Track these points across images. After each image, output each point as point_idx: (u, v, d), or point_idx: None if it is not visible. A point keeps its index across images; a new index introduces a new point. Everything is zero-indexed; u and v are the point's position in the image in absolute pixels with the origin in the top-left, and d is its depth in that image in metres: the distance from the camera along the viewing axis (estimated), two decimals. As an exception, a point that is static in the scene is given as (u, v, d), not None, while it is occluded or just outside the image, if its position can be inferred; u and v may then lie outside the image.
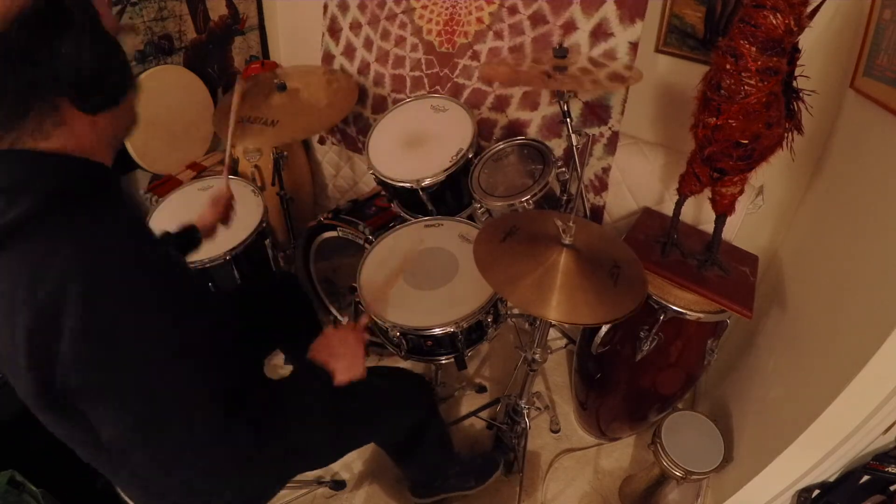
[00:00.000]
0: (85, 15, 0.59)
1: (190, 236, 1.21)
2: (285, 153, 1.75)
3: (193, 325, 0.69)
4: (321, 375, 0.86)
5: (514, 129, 1.65)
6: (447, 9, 1.65)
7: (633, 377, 1.36)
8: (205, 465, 0.67)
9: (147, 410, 0.64)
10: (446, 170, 1.40)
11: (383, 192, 1.65)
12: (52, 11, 0.56)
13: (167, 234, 1.17)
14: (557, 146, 1.57)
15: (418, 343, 1.23)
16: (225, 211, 1.27)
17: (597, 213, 1.64)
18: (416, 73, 1.78)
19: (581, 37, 1.43)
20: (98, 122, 0.64)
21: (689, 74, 1.29)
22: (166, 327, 0.64)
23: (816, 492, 1.02)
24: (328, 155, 2.21)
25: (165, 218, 1.57)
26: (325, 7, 1.90)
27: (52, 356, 0.58)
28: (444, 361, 1.26)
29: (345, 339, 0.93)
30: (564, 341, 1.81)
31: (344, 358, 0.90)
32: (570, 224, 0.95)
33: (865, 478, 0.95)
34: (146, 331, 0.62)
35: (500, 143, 1.49)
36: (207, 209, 1.26)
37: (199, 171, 1.91)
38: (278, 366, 1.71)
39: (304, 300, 1.43)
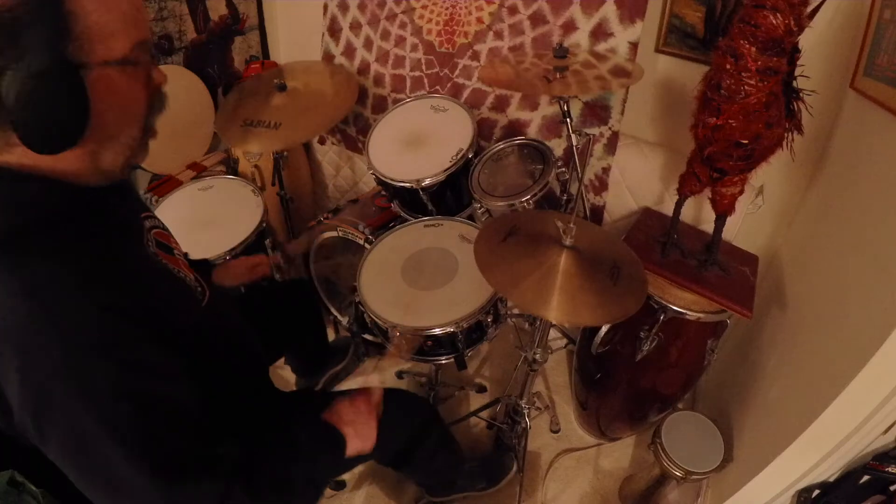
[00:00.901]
0: (43, 45, 0.51)
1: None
2: (285, 153, 1.75)
3: (158, 401, 0.59)
4: (332, 441, 0.84)
5: (514, 129, 1.65)
6: (447, 9, 1.65)
7: (634, 377, 1.36)
8: None
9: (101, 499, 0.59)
10: (446, 170, 1.40)
11: (383, 192, 1.66)
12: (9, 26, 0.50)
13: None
14: (557, 146, 1.57)
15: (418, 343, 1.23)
16: (254, 279, 1.20)
17: (597, 213, 1.64)
18: (416, 73, 1.78)
19: (581, 37, 1.43)
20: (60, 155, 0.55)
21: (689, 74, 1.29)
22: (117, 418, 0.55)
23: (816, 492, 1.02)
24: (328, 155, 2.21)
25: (166, 219, 1.56)
26: (325, 7, 1.90)
27: (6, 399, 0.55)
28: (444, 361, 1.26)
29: (357, 408, 0.90)
30: (564, 341, 1.81)
31: (357, 426, 0.87)
32: (571, 225, 0.95)
33: (865, 478, 0.95)
34: (90, 417, 0.54)
35: (500, 143, 1.49)
36: (240, 267, 1.19)
37: (199, 172, 1.91)
38: (278, 367, 1.71)
39: (312, 305, 1.42)
